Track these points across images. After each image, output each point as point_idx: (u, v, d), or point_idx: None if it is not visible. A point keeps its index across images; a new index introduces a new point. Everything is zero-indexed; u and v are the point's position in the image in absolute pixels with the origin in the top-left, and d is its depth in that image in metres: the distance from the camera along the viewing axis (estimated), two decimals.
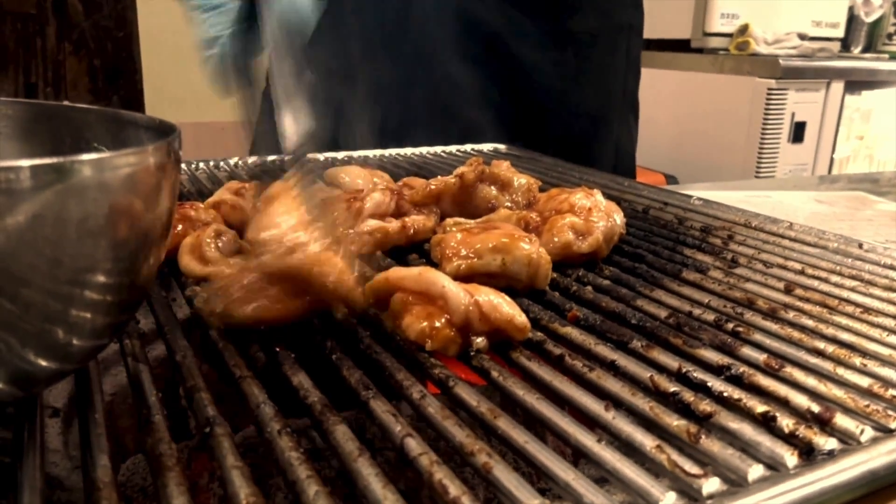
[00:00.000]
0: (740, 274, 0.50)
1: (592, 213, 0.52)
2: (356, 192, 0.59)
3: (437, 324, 0.37)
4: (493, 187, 0.58)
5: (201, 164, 0.82)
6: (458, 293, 0.38)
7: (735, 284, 0.48)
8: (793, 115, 2.67)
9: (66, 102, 0.39)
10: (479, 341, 0.38)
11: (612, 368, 0.37)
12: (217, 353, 0.37)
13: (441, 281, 0.39)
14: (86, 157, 0.27)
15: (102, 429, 0.29)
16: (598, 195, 0.55)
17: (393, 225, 0.56)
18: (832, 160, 2.88)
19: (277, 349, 0.37)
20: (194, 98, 2.03)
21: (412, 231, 0.57)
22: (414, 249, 0.55)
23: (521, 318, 0.38)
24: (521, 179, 0.60)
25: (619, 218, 0.55)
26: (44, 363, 0.28)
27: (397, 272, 0.41)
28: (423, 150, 0.95)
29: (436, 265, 0.49)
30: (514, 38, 1.05)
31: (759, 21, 2.81)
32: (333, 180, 0.64)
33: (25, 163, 0.25)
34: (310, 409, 0.31)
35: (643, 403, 0.33)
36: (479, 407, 0.32)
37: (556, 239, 0.50)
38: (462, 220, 0.55)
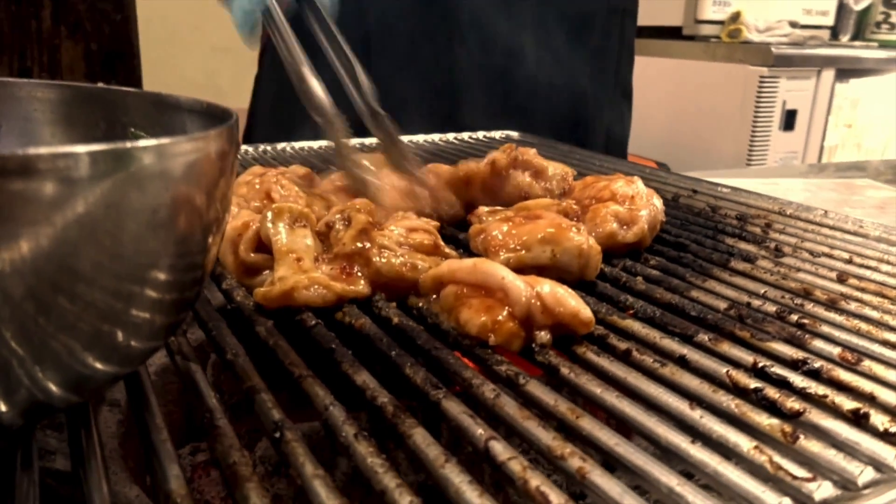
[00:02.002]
0: (789, 263, 0.49)
1: (635, 201, 0.50)
2: None
3: (499, 317, 0.36)
4: (526, 174, 0.56)
5: None
6: (520, 285, 0.36)
7: (787, 274, 0.47)
8: (784, 102, 2.68)
9: (100, 84, 0.36)
10: (543, 335, 0.36)
11: (683, 364, 0.35)
12: (268, 350, 0.35)
13: (500, 272, 0.37)
14: (146, 142, 0.24)
15: (166, 434, 0.27)
16: (638, 182, 0.53)
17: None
18: (822, 148, 2.88)
19: (333, 346, 0.35)
20: (193, 83, 2.00)
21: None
22: (448, 241, 0.53)
23: (586, 312, 0.37)
24: (555, 167, 0.58)
25: (659, 205, 0.53)
26: (101, 367, 0.26)
27: (450, 264, 0.40)
28: (435, 136, 0.92)
29: (476, 256, 0.47)
30: (506, 20, 1.03)
31: (750, 8, 2.80)
32: None
33: (82, 148, 0.23)
34: (381, 411, 0.29)
35: (727, 401, 0.31)
36: (557, 406, 0.30)
37: (599, 228, 0.49)
38: (496, 207, 0.53)
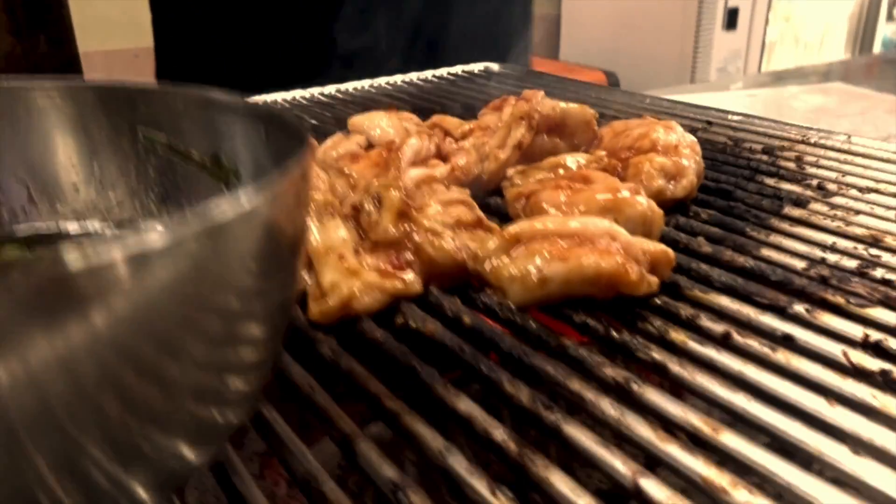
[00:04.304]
0: (841, 204, 0.47)
1: (679, 151, 0.47)
2: (389, 143, 0.52)
3: (621, 259, 0.34)
4: (547, 137, 0.52)
5: None
6: (622, 229, 0.35)
7: (846, 218, 0.44)
8: (726, 1, 2.65)
9: (82, 79, 0.30)
10: (653, 279, 0.35)
11: (791, 345, 0.32)
12: (340, 375, 0.31)
13: (599, 221, 0.36)
14: (227, 200, 0.19)
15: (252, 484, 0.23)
16: (678, 128, 0.49)
17: (440, 170, 0.49)
18: (764, 44, 2.88)
19: (413, 364, 0.31)
20: (109, 21, 1.87)
21: (461, 175, 0.50)
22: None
23: (668, 248, 0.37)
24: (576, 113, 0.53)
25: (699, 150, 0.49)
26: (193, 456, 0.22)
27: (528, 223, 0.37)
28: (413, 76, 0.86)
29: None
30: None
31: None
32: (359, 130, 0.56)
33: (158, 230, 0.18)
34: (501, 450, 0.26)
35: (861, 391, 0.29)
36: (687, 418, 0.27)
37: (646, 184, 0.45)
38: (526, 168, 0.49)
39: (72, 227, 0.32)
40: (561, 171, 0.47)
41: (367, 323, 0.34)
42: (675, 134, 0.48)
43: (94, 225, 0.32)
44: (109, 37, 2.09)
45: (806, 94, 1.15)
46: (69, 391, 0.17)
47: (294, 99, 0.78)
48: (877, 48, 3.30)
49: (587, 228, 0.35)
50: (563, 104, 0.51)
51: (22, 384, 0.17)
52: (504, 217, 0.47)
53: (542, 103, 0.51)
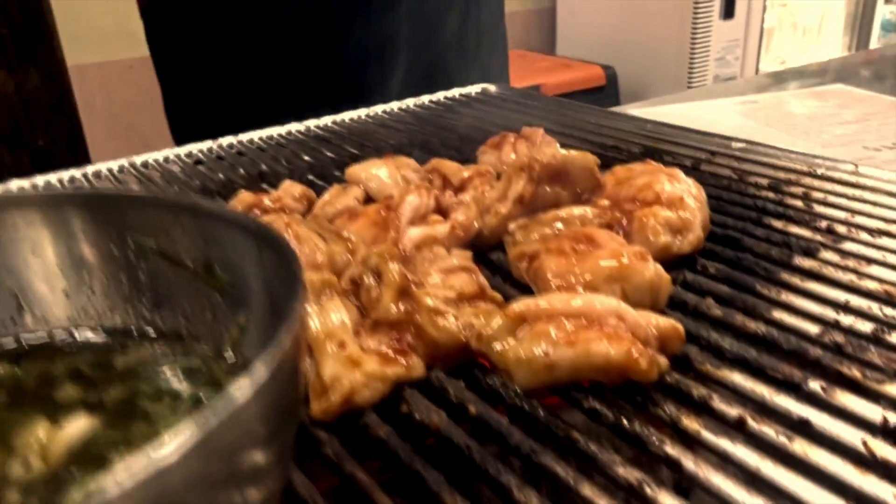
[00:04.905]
0: (853, 251, 0.45)
1: (685, 203, 0.46)
2: (388, 199, 0.51)
3: (633, 343, 0.33)
4: (549, 187, 0.50)
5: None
6: (630, 309, 0.34)
7: (858, 269, 0.43)
8: None
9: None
10: (663, 361, 0.34)
11: (808, 433, 0.31)
12: (343, 480, 0.30)
13: (609, 302, 0.35)
14: (232, 390, 0.18)
15: None
16: (681, 176, 0.48)
17: (440, 228, 0.48)
18: (762, 31, 2.86)
19: (418, 469, 0.30)
20: (102, 31, 1.86)
21: (462, 232, 0.49)
22: (478, 261, 0.48)
23: (679, 325, 0.36)
24: (576, 161, 0.51)
25: (705, 199, 0.48)
26: None
27: (534, 302, 0.35)
28: (409, 102, 0.85)
29: (518, 285, 0.42)
30: None
31: None
32: (357, 181, 0.55)
33: (168, 440, 0.17)
34: None
35: (883, 491, 0.28)
36: None
37: (651, 240, 0.44)
38: (527, 222, 0.48)
39: (62, 335, 0.31)
40: (562, 225, 0.46)
41: (371, 416, 0.33)
42: (679, 184, 0.47)
43: (85, 334, 0.31)
44: (103, 49, 2.08)
45: (805, 99, 1.13)
46: None
47: (290, 133, 0.77)
48: (875, 31, 3.27)
49: (594, 308, 0.34)
50: (563, 151, 0.50)
51: None
52: (507, 275, 0.46)
53: (543, 151, 0.50)
